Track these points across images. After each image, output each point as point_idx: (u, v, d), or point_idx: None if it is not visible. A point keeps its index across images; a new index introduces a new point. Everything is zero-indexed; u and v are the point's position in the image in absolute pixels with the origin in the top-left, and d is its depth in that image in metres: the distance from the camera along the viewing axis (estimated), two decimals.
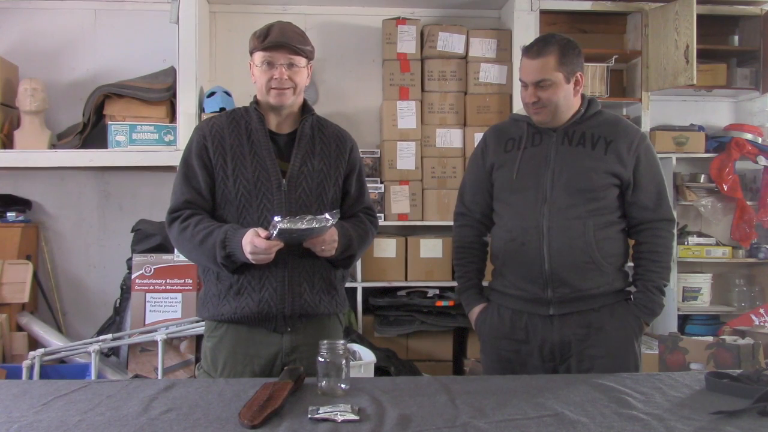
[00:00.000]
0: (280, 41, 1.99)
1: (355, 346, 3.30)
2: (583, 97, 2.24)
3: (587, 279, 2.12)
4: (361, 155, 3.82)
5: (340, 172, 2.12)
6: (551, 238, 2.11)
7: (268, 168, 2.02)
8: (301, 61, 2.04)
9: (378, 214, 3.95)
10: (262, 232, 1.86)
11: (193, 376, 3.61)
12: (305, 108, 2.13)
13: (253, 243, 1.85)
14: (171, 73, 4.03)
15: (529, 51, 2.15)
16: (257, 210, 2.00)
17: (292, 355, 2.02)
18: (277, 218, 1.80)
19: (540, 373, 2.11)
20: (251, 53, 2.07)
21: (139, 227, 4.01)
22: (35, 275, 3.97)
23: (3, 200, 4.10)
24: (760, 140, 4.33)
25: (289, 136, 2.10)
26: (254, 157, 2.02)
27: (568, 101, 2.16)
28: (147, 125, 3.94)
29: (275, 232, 1.81)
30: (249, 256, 1.88)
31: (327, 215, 1.85)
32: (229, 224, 1.97)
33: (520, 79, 2.19)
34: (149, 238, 3.92)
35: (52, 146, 3.96)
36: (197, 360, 3.66)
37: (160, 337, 3.53)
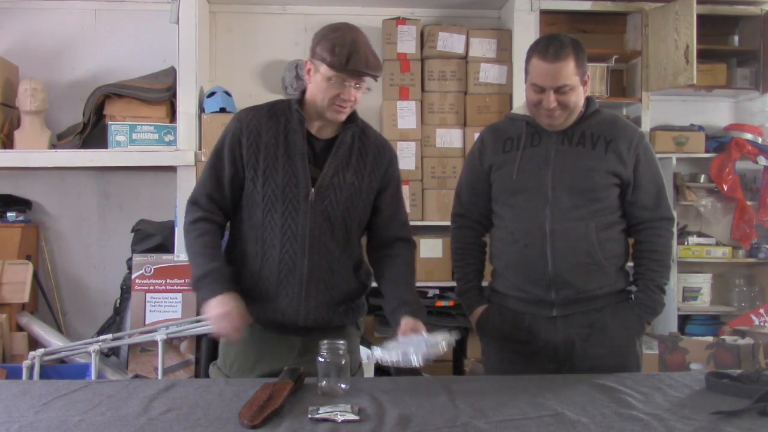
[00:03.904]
0: (362, 71, 1.89)
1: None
2: None
3: (590, 280, 2.12)
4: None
5: (372, 188, 2.03)
6: (554, 239, 2.10)
7: (298, 174, 1.94)
8: (369, 82, 1.96)
9: None
10: (242, 310, 1.85)
11: (193, 376, 3.61)
12: (351, 116, 2.02)
13: (229, 315, 1.83)
14: (171, 73, 4.03)
15: (546, 54, 2.05)
16: (281, 216, 1.94)
17: (305, 356, 1.95)
18: (378, 353, 1.70)
19: (543, 374, 2.10)
20: (317, 59, 1.90)
21: (139, 227, 4.01)
22: (35, 275, 3.97)
23: (3, 200, 4.10)
24: (760, 140, 4.33)
25: (327, 141, 2.00)
26: (287, 160, 1.95)
27: (580, 103, 2.13)
28: (147, 125, 3.94)
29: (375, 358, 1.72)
30: (214, 318, 1.84)
31: (442, 341, 1.71)
32: (217, 265, 1.91)
33: (534, 83, 2.08)
34: (149, 238, 3.92)
35: (52, 146, 3.96)
36: (197, 360, 3.66)
37: (160, 337, 3.53)
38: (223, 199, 2.01)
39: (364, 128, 2.07)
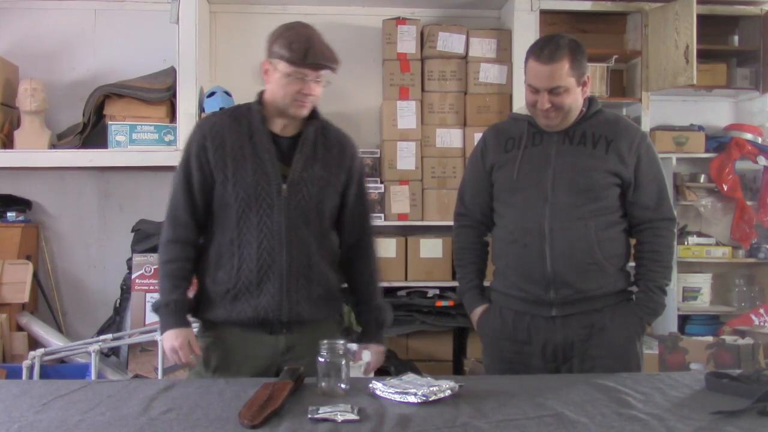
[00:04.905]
0: (321, 63, 1.94)
1: (355, 346, 3.29)
2: None
3: (589, 280, 2.11)
4: (361, 155, 3.72)
5: (340, 180, 2.08)
6: (553, 239, 2.10)
7: (268, 172, 1.98)
8: (327, 74, 2.01)
9: (378, 214, 4.01)
10: (194, 344, 1.97)
11: None
12: (312, 112, 2.07)
13: (179, 351, 1.95)
14: (171, 73, 4.03)
15: (540, 55, 2.06)
16: (257, 214, 1.97)
17: (288, 355, 2.01)
18: (378, 385, 1.70)
19: (542, 374, 2.10)
20: (275, 58, 1.96)
21: (139, 227, 4.01)
22: (35, 275, 3.97)
23: (3, 200, 4.10)
24: (760, 140, 4.33)
25: (291, 139, 2.04)
26: (255, 160, 1.98)
27: (577, 104, 2.13)
28: (147, 125, 3.94)
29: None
30: (167, 349, 1.97)
31: (447, 388, 1.67)
32: (176, 297, 1.99)
33: (529, 84, 2.11)
34: (149, 238, 3.92)
35: (52, 146, 3.95)
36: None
37: (160, 337, 3.52)
38: (197, 208, 2.02)
39: (325, 124, 2.12)
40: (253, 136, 2.01)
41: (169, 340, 1.96)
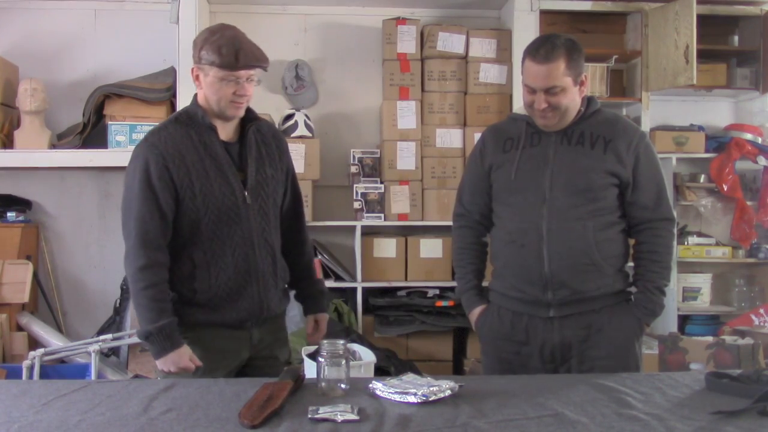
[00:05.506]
0: (254, 64, 1.97)
1: (355, 346, 3.29)
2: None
3: (587, 281, 2.11)
4: (361, 155, 3.85)
5: (283, 173, 2.17)
6: (551, 240, 2.10)
7: (231, 183, 2.01)
8: (258, 73, 2.03)
9: (378, 214, 4.00)
10: (194, 357, 1.95)
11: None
12: (248, 114, 2.09)
13: (185, 367, 1.94)
14: (171, 73, 4.03)
15: (536, 55, 2.06)
16: (227, 225, 2.00)
17: (259, 345, 2.10)
18: (378, 385, 1.69)
19: (540, 374, 2.10)
20: (205, 64, 1.95)
21: None
22: (35, 275, 3.97)
23: (3, 200, 4.10)
24: (759, 140, 4.33)
25: (236, 144, 2.08)
26: (218, 173, 2.00)
27: (574, 104, 2.13)
28: (147, 125, 3.91)
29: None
30: (174, 371, 1.94)
31: (447, 388, 1.65)
32: (167, 321, 1.93)
33: (526, 84, 2.11)
34: None
35: (52, 146, 3.96)
36: None
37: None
38: (168, 228, 1.99)
39: (256, 123, 2.14)
40: (207, 148, 2.02)
41: (174, 363, 1.93)
